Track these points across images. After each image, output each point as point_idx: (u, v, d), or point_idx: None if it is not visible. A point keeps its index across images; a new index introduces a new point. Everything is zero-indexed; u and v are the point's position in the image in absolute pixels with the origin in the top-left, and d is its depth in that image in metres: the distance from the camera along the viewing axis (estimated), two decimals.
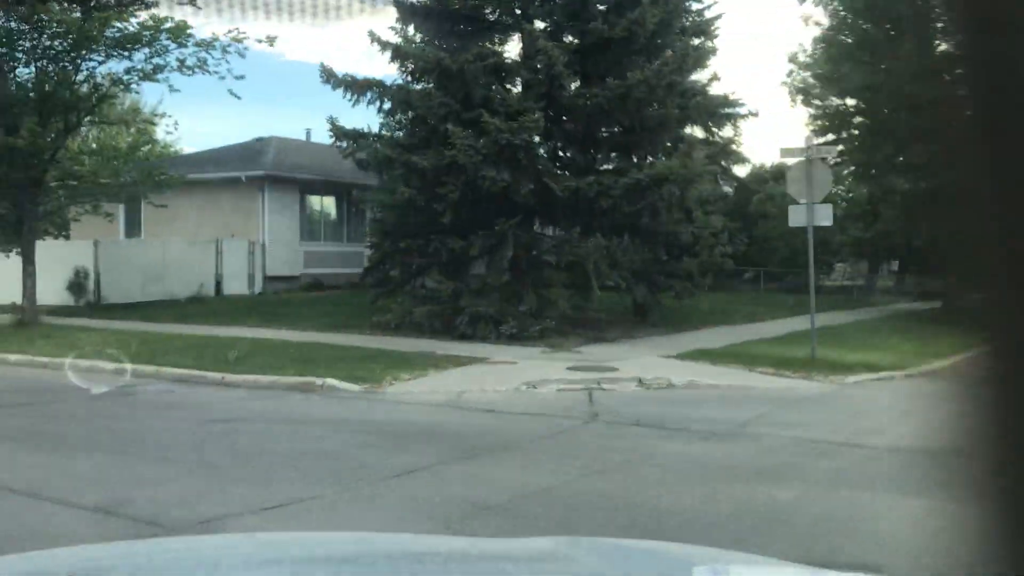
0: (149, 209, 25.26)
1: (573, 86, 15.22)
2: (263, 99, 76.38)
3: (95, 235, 22.22)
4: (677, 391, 10.89)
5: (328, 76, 16.20)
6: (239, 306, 20.72)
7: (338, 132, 16.48)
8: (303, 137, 31.46)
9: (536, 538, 2.53)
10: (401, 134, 16.15)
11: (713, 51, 23.43)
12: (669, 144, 17.04)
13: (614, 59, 15.25)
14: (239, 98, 17.51)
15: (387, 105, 16.46)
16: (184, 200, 23.13)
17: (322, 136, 35.69)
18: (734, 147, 29.96)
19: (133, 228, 26.57)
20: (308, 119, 77.68)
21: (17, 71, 15.65)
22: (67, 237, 20.80)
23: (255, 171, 24.41)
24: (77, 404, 10.08)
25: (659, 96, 14.76)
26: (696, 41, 22.16)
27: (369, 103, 16.26)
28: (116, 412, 9.58)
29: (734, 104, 26.75)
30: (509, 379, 11.32)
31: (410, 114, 16.24)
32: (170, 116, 17.38)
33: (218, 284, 23.36)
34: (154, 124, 16.87)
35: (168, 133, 17.20)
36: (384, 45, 15.90)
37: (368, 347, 14.07)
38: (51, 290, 19.86)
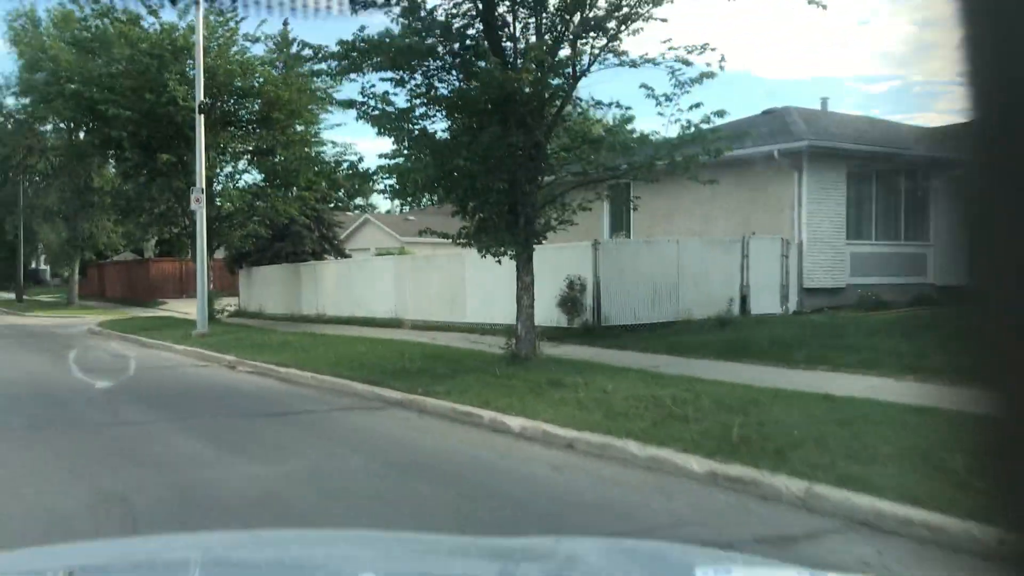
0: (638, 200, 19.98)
1: None
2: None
3: (571, 235, 17.17)
4: None
5: None
6: (789, 333, 14.10)
7: None
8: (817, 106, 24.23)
9: (539, 537, 2.43)
10: None
11: None
12: None
13: None
14: (824, 7, 10.74)
15: None
16: (679, 188, 17.25)
17: (838, 106, 28.38)
18: None
19: (617, 226, 21.47)
20: None
21: None
22: (545, 237, 15.85)
23: (791, 143, 17.69)
24: None
25: None
26: None
27: None
28: None
29: None
30: None
31: None
32: (712, 48, 10.93)
33: (743, 299, 17.02)
34: (688, 63, 10.58)
35: (708, 75, 10.97)
36: None
37: None
38: (538, 306, 15.00)
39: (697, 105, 10.96)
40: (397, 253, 30.88)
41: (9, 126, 39.78)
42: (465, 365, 12.09)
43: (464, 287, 19.15)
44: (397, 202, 70.41)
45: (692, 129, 11.02)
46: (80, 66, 21.82)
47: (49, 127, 34.58)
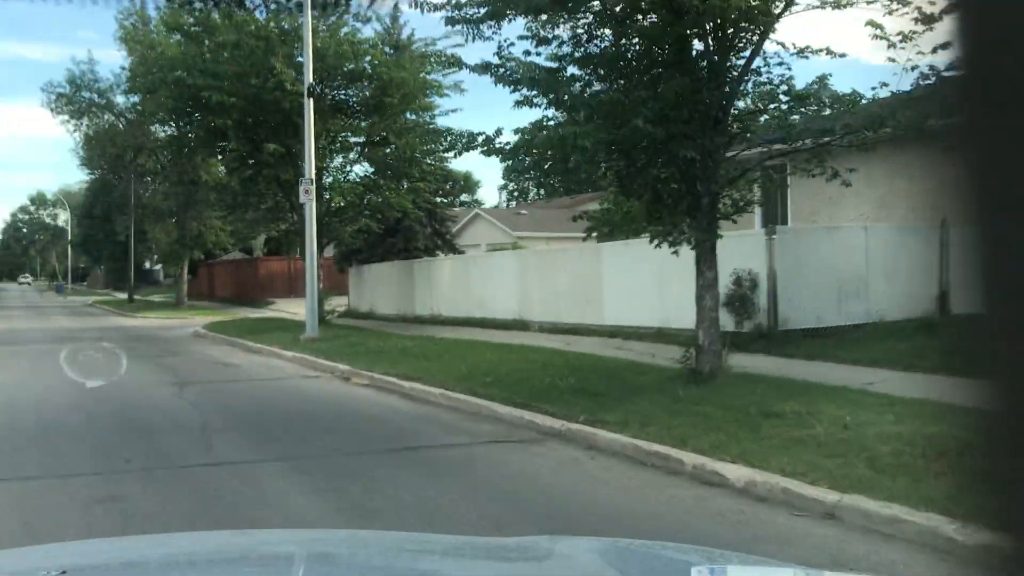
0: (796, 182, 17.30)
1: None
2: None
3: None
4: None
5: None
6: None
7: None
8: None
9: (533, 537, 2.29)
10: None
11: None
12: None
13: None
14: None
15: None
16: (849, 166, 14.49)
17: None
18: None
19: (771, 212, 18.75)
20: None
21: None
22: (734, 221, 13.42)
23: None
24: None
25: None
26: None
27: None
28: None
29: None
30: None
31: None
32: None
33: (942, 297, 14.19)
34: (907, 2, 7.99)
35: (946, 11, 8.42)
36: None
37: None
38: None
39: (944, 46, 8.35)
40: (511, 248, 28.87)
41: (120, 126, 39.61)
42: (630, 382, 9.81)
43: (601, 285, 16.88)
44: (504, 196, 68.47)
45: (933, 79, 8.45)
46: (184, 54, 20.52)
47: (157, 125, 33.90)
